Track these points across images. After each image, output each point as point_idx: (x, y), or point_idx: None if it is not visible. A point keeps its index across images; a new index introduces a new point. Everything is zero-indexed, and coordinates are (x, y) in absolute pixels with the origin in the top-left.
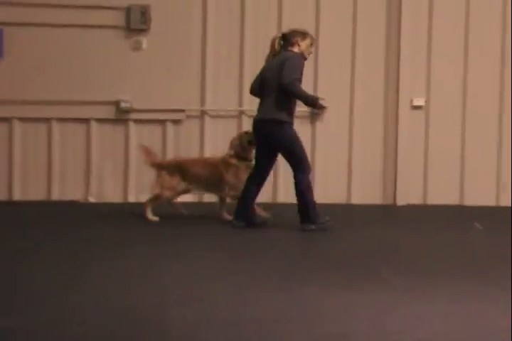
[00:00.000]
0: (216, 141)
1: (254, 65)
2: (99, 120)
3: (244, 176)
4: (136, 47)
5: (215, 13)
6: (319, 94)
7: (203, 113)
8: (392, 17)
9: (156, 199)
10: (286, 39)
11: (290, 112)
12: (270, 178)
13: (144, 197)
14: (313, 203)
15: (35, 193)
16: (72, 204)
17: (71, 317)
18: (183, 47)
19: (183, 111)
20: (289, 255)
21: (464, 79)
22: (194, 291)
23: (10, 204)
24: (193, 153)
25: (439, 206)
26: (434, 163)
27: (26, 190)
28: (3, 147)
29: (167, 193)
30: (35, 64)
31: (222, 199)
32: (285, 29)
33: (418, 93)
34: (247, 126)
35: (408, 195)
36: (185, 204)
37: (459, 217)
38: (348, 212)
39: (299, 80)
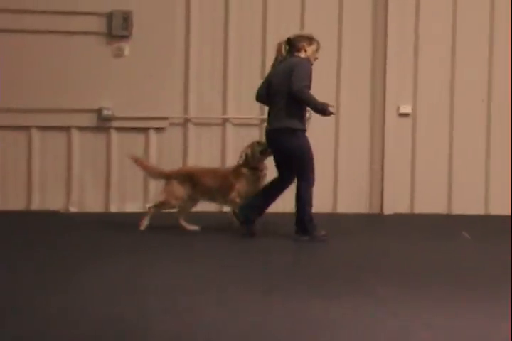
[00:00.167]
0: (200, 150)
1: (239, 72)
2: (80, 128)
3: (253, 187)
4: (118, 54)
5: (199, 19)
6: None
7: (187, 121)
8: (378, 23)
9: (160, 206)
10: (292, 44)
11: (302, 119)
12: None
13: (127, 207)
14: (311, 215)
15: (15, 203)
16: (52, 214)
17: (51, 330)
18: (166, 54)
19: (166, 118)
20: (276, 265)
21: (452, 86)
22: (178, 302)
23: None
24: (176, 163)
25: (427, 215)
26: (422, 171)
27: (6, 199)
28: None
29: (173, 201)
30: (14, 70)
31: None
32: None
33: (405, 100)
34: (232, 134)
35: (395, 204)
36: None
37: (446, 226)
38: (334, 222)
39: (308, 87)
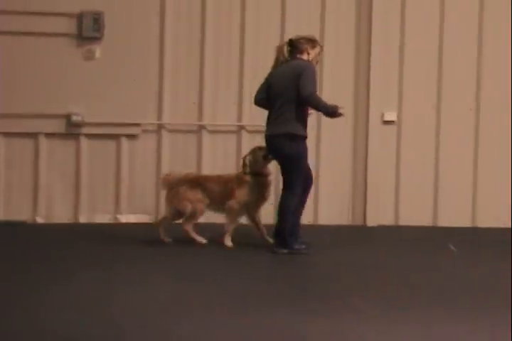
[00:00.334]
0: (174, 158)
1: (216, 76)
2: (49, 134)
3: (257, 194)
4: (89, 57)
5: (174, 20)
6: None
7: (160, 127)
8: (362, 29)
9: (192, 217)
10: (295, 46)
11: (304, 124)
12: None
13: (97, 218)
14: (293, 227)
15: None
16: (18, 225)
17: None
18: (139, 57)
19: (138, 125)
20: (255, 279)
21: (438, 93)
22: (148, 318)
23: None
24: (148, 171)
25: (412, 227)
26: (407, 181)
27: None
28: None
29: (200, 206)
30: None
31: (258, 222)
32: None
33: (390, 107)
34: (208, 141)
35: (379, 216)
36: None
37: (432, 238)
38: (315, 234)
39: (316, 91)
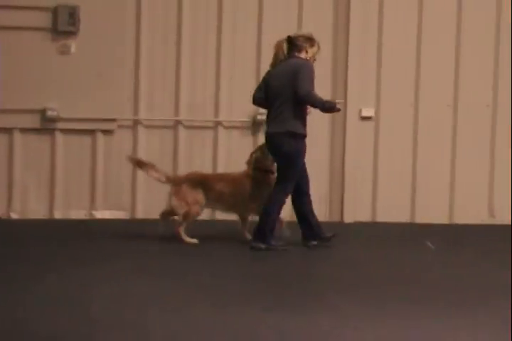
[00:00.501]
0: (151, 153)
1: (192, 70)
2: (23, 130)
3: (267, 190)
4: (64, 51)
5: (150, 15)
6: None
7: (136, 123)
8: (340, 23)
9: (185, 218)
10: (293, 44)
11: (303, 122)
12: None
13: (72, 214)
14: (274, 223)
15: None
16: None
17: None
18: (115, 52)
19: (114, 120)
20: (232, 276)
21: (416, 89)
22: (125, 316)
23: None
24: (124, 167)
25: (389, 223)
26: (384, 177)
27: None
28: None
29: (195, 208)
30: None
31: (245, 218)
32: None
33: (367, 103)
34: (184, 137)
35: (356, 212)
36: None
37: (409, 235)
38: (292, 230)
39: (313, 89)
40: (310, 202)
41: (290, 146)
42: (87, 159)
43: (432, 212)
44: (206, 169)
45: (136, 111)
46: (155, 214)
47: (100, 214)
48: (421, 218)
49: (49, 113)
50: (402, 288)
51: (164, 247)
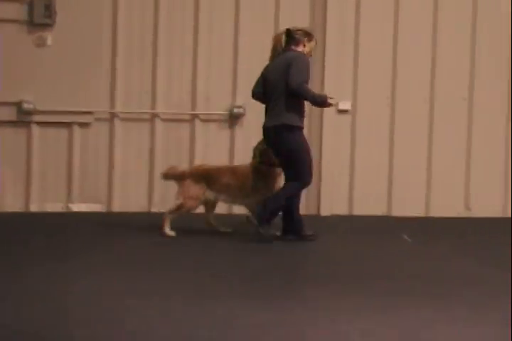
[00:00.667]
0: (127, 147)
1: (169, 63)
2: None
3: (274, 182)
4: (40, 44)
5: (127, 7)
6: (238, 98)
7: (113, 115)
8: (317, 16)
9: (177, 209)
10: (292, 37)
11: (300, 115)
12: None
13: (48, 207)
14: (276, 214)
15: None
16: None
17: None
18: (92, 44)
19: (91, 113)
20: (209, 268)
21: (393, 83)
22: (105, 309)
23: None
24: (101, 160)
25: (366, 216)
26: (361, 170)
27: None
28: None
29: (190, 203)
30: None
31: (253, 209)
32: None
33: (344, 96)
34: (161, 130)
35: (333, 205)
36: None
37: (386, 228)
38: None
39: (307, 81)
40: (299, 198)
41: (287, 139)
42: (64, 152)
43: (409, 205)
44: (183, 162)
45: (112, 104)
46: (131, 208)
47: (77, 207)
48: (397, 211)
49: (25, 105)
50: (378, 280)
51: (142, 240)
